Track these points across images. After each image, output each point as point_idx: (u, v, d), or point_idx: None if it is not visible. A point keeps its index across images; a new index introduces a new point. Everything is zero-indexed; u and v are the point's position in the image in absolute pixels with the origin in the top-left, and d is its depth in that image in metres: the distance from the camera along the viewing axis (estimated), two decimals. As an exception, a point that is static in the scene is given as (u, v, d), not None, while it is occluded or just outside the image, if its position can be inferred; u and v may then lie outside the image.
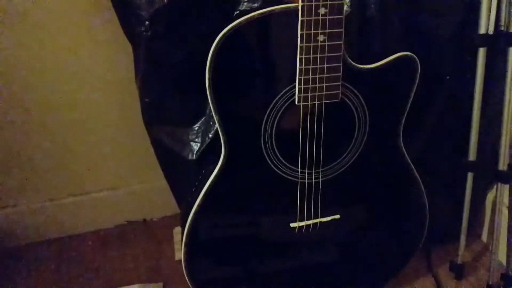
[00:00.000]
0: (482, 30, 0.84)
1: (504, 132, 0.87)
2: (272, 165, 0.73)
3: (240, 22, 0.62)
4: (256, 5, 0.76)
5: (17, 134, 0.99)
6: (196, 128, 0.85)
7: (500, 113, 0.87)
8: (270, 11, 0.63)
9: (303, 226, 0.77)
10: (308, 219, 0.77)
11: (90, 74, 0.97)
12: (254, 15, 0.63)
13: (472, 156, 0.90)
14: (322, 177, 0.75)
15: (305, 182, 0.75)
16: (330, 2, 0.62)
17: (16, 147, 1.01)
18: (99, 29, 0.93)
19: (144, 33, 0.75)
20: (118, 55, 0.94)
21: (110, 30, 0.89)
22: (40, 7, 0.89)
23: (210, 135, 0.84)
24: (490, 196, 1.07)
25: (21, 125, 0.99)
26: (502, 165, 0.88)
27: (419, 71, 0.72)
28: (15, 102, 0.97)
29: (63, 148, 1.04)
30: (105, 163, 1.08)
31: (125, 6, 0.76)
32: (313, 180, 0.75)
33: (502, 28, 0.83)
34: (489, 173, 0.93)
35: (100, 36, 0.93)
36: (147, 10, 0.74)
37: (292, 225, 0.77)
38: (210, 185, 0.72)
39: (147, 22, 0.74)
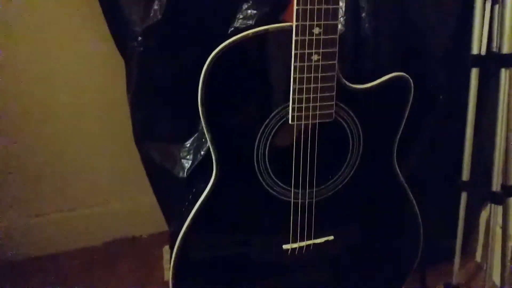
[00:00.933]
0: (474, 51, 0.84)
1: (497, 153, 0.87)
2: (265, 185, 0.72)
3: (233, 41, 0.62)
4: (251, 22, 0.76)
5: (4, 149, 0.97)
6: (188, 145, 0.84)
7: (493, 133, 0.87)
8: (264, 30, 0.63)
9: (296, 247, 0.76)
10: (301, 240, 0.76)
11: (81, 88, 0.96)
12: (248, 34, 0.62)
13: (465, 176, 0.90)
14: (315, 197, 0.74)
15: (298, 202, 0.74)
16: (324, 22, 0.62)
17: (2, 162, 0.99)
18: (92, 44, 0.92)
19: (137, 48, 0.74)
20: (110, 69, 0.93)
21: (103, 45, 0.88)
22: (33, 19, 0.88)
23: (202, 152, 0.83)
24: (483, 215, 1.07)
25: (10, 140, 0.97)
26: (495, 186, 0.88)
27: (412, 92, 0.72)
28: (3, 116, 0.95)
29: (51, 163, 1.02)
30: (94, 178, 1.06)
31: (118, 21, 0.76)
32: (307, 200, 0.74)
33: (494, 49, 0.83)
34: (482, 193, 0.92)
35: (93, 51, 0.93)
36: (140, 26, 0.73)
37: (284, 246, 0.76)
38: (200, 204, 0.71)
39: (140, 38, 0.74)
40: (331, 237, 0.77)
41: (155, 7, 0.72)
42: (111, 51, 0.81)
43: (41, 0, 0.88)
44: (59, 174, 1.04)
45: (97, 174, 1.06)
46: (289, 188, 0.73)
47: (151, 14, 0.73)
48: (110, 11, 0.76)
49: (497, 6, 0.82)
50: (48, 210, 1.07)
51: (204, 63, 0.62)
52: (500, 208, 0.92)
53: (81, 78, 0.95)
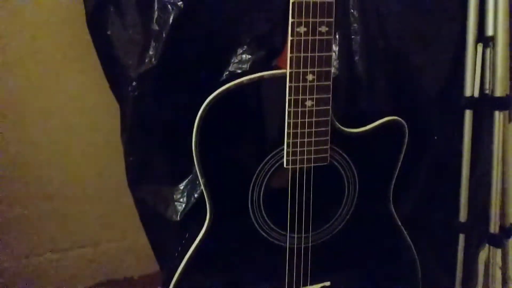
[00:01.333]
0: (467, 93, 0.85)
1: (493, 194, 0.86)
2: (259, 229, 0.71)
3: (228, 87, 0.62)
4: (245, 67, 0.76)
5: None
6: (182, 187, 0.83)
7: (489, 174, 0.87)
8: (258, 77, 0.63)
9: (291, 293, 0.74)
10: (298, 286, 0.74)
11: (74, 129, 0.96)
12: (242, 81, 0.63)
13: (463, 217, 0.89)
14: (311, 242, 0.73)
15: (294, 247, 0.73)
16: (318, 69, 0.63)
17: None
18: (87, 86, 0.92)
19: (131, 93, 0.75)
20: (104, 111, 0.93)
21: (98, 87, 0.89)
22: (31, 59, 0.89)
23: (195, 195, 0.82)
24: (482, 255, 1.05)
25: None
26: (493, 228, 0.87)
27: (407, 135, 0.72)
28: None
29: (42, 204, 1.01)
30: (86, 219, 1.04)
31: (113, 65, 0.76)
32: (302, 245, 0.73)
33: (487, 92, 0.84)
34: (480, 235, 0.91)
35: (88, 93, 0.93)
36: (135, 71, 0.74)
37: (280, 293, 0.74)
38: (194, 250, 0.69)
39: (134, 83, 0.74)
40: (328, 283, 0.76)
41: (150, 52, 0.73)
42: (106, 94, 0.82)
43: (38, 40, 0.88)
44: (51, 215, 1.03)
45: (89, 215, 1.04)
46: (284, 233, 0.71)
47: (146, 60, 0.73)
48: (105, 55, 0.77)
49: (488, 50, 0.83)
50: (39, 251, 1.05)
51: (199, 107, 0.63)
52: (499, 250, 0.90)
53: (75, 120, 0.95)
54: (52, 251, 1.06)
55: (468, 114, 0.86)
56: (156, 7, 0.72)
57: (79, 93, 0.93)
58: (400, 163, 0.74)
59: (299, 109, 0.64)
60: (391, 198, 0.76)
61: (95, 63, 0.78)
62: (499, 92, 0.83)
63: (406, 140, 0.73)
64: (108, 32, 0.74)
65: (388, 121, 0.71)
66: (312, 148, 0.67)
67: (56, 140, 0.97)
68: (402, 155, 0.74)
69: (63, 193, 1.02)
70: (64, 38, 0.88)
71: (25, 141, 0.95)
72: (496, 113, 0.84)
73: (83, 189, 1.03)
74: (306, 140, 0.66)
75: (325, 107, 0.65)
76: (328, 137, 0.67)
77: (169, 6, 0.71)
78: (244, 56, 0.77)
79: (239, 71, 0.76)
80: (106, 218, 1.06)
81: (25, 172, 0.98)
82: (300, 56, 0.62)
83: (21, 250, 1.04)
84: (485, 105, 0.85)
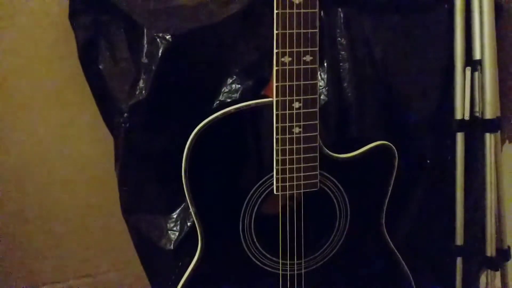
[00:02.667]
0: (458, 116, 0.86)
1: (488, 217, 0.86)
2: (252, 257, 0.70)
3: (216, 117, 0.63)
4: (235, 96, 0.78)
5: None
6: (175, 216, 0.84)
7: (484, 195, 0.87)
8: (246, 105, 0.64)
9: (285, 321, 0.73)
10: (292, 313, 0.73)
11: (69, 161, 0.97)
12: (230, 110, 0.64)
13: (459, 240, 0.88)
14: (304, 268, 0.72)
15: (287, 274, 0.72)
16: (304, 97, 0.64)
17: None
18: (82, 119, 0.94)
19: (123, 124, 0.76)
20: (99, 142, 0.94)
21: (92, 119, 0.91)
22: (20, 90, 0.90)
23: (188, 224, 0.82)
24: (483, 279, 1.03)
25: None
26: (490, 251, 0.86)
27: (397, 159, 0.73)
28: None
29: (42, 235, 1.01)
30: (82, 249, 1.05)
31: (104, 98, 0.78)
32: (295, 272, 0.72)
33: (477, 114, 0.85)
34: (478, 258, 0.90)
35: (83, 125, 0.95)
36: (126, 103, 0.75)
37: (274, 321, 0.73)
38: (186, 280, 0.69)
39: (125, 114, 0.76)
40: (322, 310, 0.75)
41: (141, 85, 0.75)
42: (100, 125, 0.84)
43: (28, 75, 0.90)
44: (50, 246, 1.03)
45: (86, 245, 1.04)
46: (276, 260, 0.71)
47: (137, 92, 0.75)
48: (97, 88, 0.79)
49: (476, 73, 0.84)
50: (39, 282, 1.05)
51: (189, 137, 0.64)
52: (498, 274, 0.89)
53: (69, 151, 0.97)
54: (52, 282, 1.06)
55: (459, 137, 0.86)
56: (145, 41, 0.74)
57: (74, 125, 0.95)
58: (391, 187, 0.74)
59: (287, 136, 0.65)
60: (383, 223, 0.76)
61: (89, 96, 0.81)
62: (489, 114, 0.84)
63: (396, 164, 0.73)
64: (100, 66, 0.76)
65: (377, 145, 0.72)
66: (302, 174, 0.67)
67: (53, 172, 0.98)
68: (393, 180, 0.74)
69: (62, 224, 1.02)
70: (57, 73, 0.90)
71: (22, 173, 0.97)
72: (487, 135, 0.84)
73: (82, 219, 1.03)
74: (295, 166, 0.67)
75: (312, 134, 0.66)
76: (317, 163, 0.68)
77: (157, 39, 0.73)
78: (233, 85, 0.78)
79: (229, 100, 0.78)
80: (105, 247, 1.06)
81: (24, 204, 0.99)
82: (286, 85, 0.63)
83: (22, 281, 1.04)
84: (476, 127, 0.85)
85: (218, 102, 0.78)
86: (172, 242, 0.82)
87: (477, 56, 0.84)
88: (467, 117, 0.85)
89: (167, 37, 0.73)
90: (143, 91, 0.75)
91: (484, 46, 0.83)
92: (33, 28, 0.84)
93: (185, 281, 0.70)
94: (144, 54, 0.74)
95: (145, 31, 0.74)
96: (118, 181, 0.82)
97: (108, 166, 0.86)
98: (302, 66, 0.63)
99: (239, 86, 0.78)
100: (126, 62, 0.76)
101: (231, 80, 0.78)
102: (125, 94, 0.75)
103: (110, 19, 0.76)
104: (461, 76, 0.85)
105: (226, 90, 0.78)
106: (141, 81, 0.75)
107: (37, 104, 0.92)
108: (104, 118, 0.81)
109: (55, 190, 0.99)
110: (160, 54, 0.73)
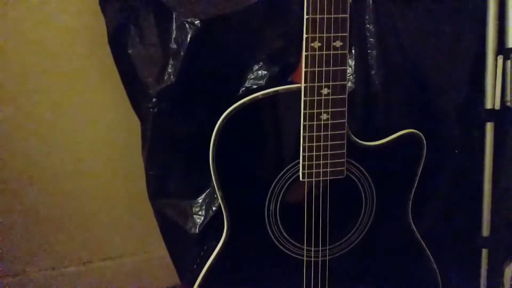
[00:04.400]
0: (488, 105, 0.84)
1: (517, 208, 0.84)
2: (277, 242, 0.71)
3: (243, 103, 0.63)
4: (261, 82, 0.78)
5: (18, 204, 1.00)
6: (200, 201, 0.85)
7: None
8: (273, 91, 0.64)
9: (309, 307, 0.74)
10: (315, 300, 0.74)
11: (98, 144, 0.99)
12: (258, 96, 0.64)
13: (485, 231, 0.87)
14: (329, 255, 0.73)
15: (311, 261, 0.72)
16: (333, 83, 0.64)
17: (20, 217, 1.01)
18: (109, 104, 0.95)
19: (151, 109, 0.77)
20: (126, 127, 0.96)
21: (120, 104, 0.92)
22: (50, 78, 0.92)
23: (213, 208, 0.83)
24: (508, 272, 1.02)
25: (23, 194, 1.00)
26: (518, 243, 0.85)
27: (425, 148, 0.72)
28: (18, 171, 0.98)
29: (67, 217, 1.04)
30: (109, 233, 1.07)
31: (133, 83, 0.79)
32: (320, 259, 0.73)
33: (508, 104, 0.83)
34: (505, 249, 0.89)
35: (111, 110, 0.96)
36: (154, 88, 0.76)
37: (297, 306, 0.74)
38: (211, 263, 0.70)
39: (154, 99, 0.76)
40: (346, 298, 0.75)
41: (169, 70, 0.75)
42: (127, 109, 0.85)
43: (59, 60, 0.92)
44: (75, 228, 1.05)
45: (112, 228, 1.07)
46: (301, 246, 0.71)
47: (165, 77, 0.76)
48: (126, 73, 0.80)
49: (509, 62, 0.82)
50: (64, 264, 1.07)
51: (216, 123, 0.64)
52: (525, 266, 0.88)
53: (97, 136, 0.98)
54: (77, 264, 1.08)
55: (489, 127, 0.85)
56: (174, 26, 0.74)
57: (104, 111, 0.97)
58: (418, 177, 0.73)
59: (315, 123, 0.65)
60: (410, 212, 0.75)
61: (117, 82, 0.82)
62: (520, 104, 0.82)
63: (424, 153, 0.72)
64: (129, 51, 0.77)
65: (405, 134, 0.71)
66: (328, 161, 0.67)
67: (81, 158, 1.00)
68: (420, 169, 0.73)
69: (87, 207, 1.04)
70: (87, 58, 0.91)
71: (52, 163, 0.99)
72: (518, 125, 0.82)
73: (107, 204, 1.05)
74: (322, 153, 0.67)
75: (340, 121, 0.66)
76: (344, 150, 0.67)
77: (186, 25, 0.74)
78: (260, 72, 0.78)
79: (255, 86, 0.78)
80: (128, 232, 1.08)
81: (51, 189, 1.01)
82: (315, 71, 0.63)
83: (47, 262, 1.06)
84: (507, 117, 0.83)
85: (244, 88, 0.78)
86: (198, 226, 0.83)
87: (509, 44, 0.82)
88: (497, 106, 0.83)
89: (196, 22, 0.73)
90: (172, 77, 0.75)
91: (518, 34, 0.81)
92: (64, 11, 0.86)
93: (210, 265, 0.71)
94: (172, 40, 0.75)
95: (174, 16, 0.74)
96: (145, 165, 0.84)
97: (136, 150, 0.87)
98: (332, 52, 0.62)
99: (265, 72, 0.78)
100: (155, 47, 0.76)
101: (257, 67, 0.78)
102: (153, 79, 0.76)
103: (140, 4, 0.76)
104: (492, 65, 0.83)
105: (252, 76, 0.78)
106: (170, 66, 0.75)
107: (65, 90, 0.94)
108: (132, 103, 0.82)
109: (84, 175, 1.01)
110: (188, 40, 0.73)
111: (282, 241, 0.71)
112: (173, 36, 0.75)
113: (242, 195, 0.69)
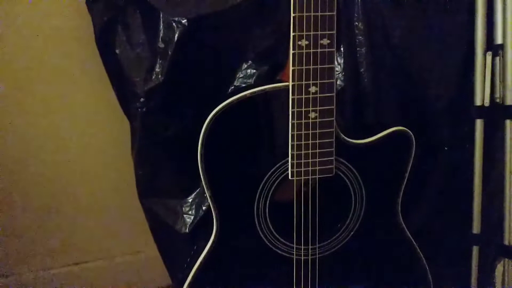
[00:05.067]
0: (477, 102, 0.84)
1: (507, 205, 0.84)
2: (266, 241, 0.71)
3: (231, 102, 0.63)
4: (250, 81, 0.78)
5: (7, 205, 1.00)
6: (190, 200, 0.85)
7: (502, 184, 0.85)
8: (261, 90, 0.64)
9: (299, 306, 0.74)
10: (305, 298, 0.74)
11: (87, 146, 0.99)
12: (245, 94, 0.64)
13: (476, 229, 0.87)
14: (318, 254, 0.73)
15: (301, 259, 0.72)
16: (321, 81, 0.63)
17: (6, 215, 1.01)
18: (99, 104, 0.95)
19: (140, 109, 0.77)
20: (115, 127, 0.95)
21: (110, 104, 0.92)
22: (39, 76, 0.92)
23: (204, 207, 0.83)
24: (499, 269, 1.02)
25: (12, 195, 0.99)
26: (508, 240, 0.85)
27: (414, 146, 0.72)
28: (7, 171, 0.98)
29: (58, 218, 1.03)
30: (100, 232, 1.07)
31: (121, 83, 0.79)
32: (310, 257, 0.73)
33: (498, 101, 0.83)
34: (495, 247, 0.89)
35: (101, 110, 0.96)
36: (142, 88, 0.76)
37: (287, 305, 0.74)
38: (201, 263, 0.70)
39: (142, 99, 0.76)
40: (336, 296, 0.75)
41: (157, 69, 0.75)
42: (116, 109, 0.84)
43: (48, 60, 0.91)
44: (66, 229, 1.05)
45: (103, 228, 1.06)
46: (291, 244, 0.71)
47: (153, 77, 0.76)
48: (114, 73, 0.80)
49: (498, 58, 0.82)
50: (55, 264, 1.07)
51: (205, 122, 0.64)
52: (515, 263, 0.88)
53: (87, 136, 0.98)
54: (68, 264, 1.08)
55: (479, 124, 0.85)
56: (161, 26, 0.74)
57: (93, 111, 0.96)
58: (407, 174, 0.73)
59: (303, 121, 0.65)
60: (399, 210, 0.75)
61: (106, 82, 0.81)
62: (510, 100, 0.82)
63: (413, 150, 0.72)
64: (116, 51, 0.77)
65: (394, 131, 0.71)
66: (317, 159, 0.67)
67: (71, 159, 1.00)
68: (409, 166, 0.73)
69: (80, 208, 1.04)
70: (75, 58, 0.91)
71: (42, 163, 0.99)
72: (508, 122, 0.82)
73: (99, 203, 1.05)
74: (310, 151, 0.66)
75: (329, 119, 0.66)
76: (333, 149, 0.67)
77: (173, 24, 0.73)
78: (249, 70, 0.78)
79: (244, 85, 0.77)
80: (118, 232, 1.08)
81: (43, 188, 1.01)
82: (303, 69, 0.62)
83: (39, 263, 1.06)
84: (496, 114, 0.84)
85: (233, 87, 0.78)
86: (188, 225, 0.83)
87: (498, 40, 0.82)
88: (487, 103, 0.83)
89: (183, 21, 0.73)
90: (159, 76, 0.75)
91: (507, 31, 0.81)
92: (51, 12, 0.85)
93: (200, 264, 0.70)
94: (160, 39, 0.74)
95: (161, 15, 0.74)
96: (134, 165, 0.83)
97: (126, 150, 0.87)
98: (319, 50, 0.62)
99: (254, 71, 0.78)
100: (143, 47, 0.76)
101: (246, 65, 0.78)
102: (141, 79, 0.76)
103: (127, 3, 0.76)
104: (481, 61, 0.83)
105: (241, 75, 0.78)
106: (157, 66, 0.75)
107: (54, 90, 0.94)
108: (121, 103, 0.82)
109: (75, 175, 1.01)
110: (176, 39, 0.73)
111: (271, 240, 0.71)
112: (161, 35, 0.75)
113: (231, 195, 0.69)
